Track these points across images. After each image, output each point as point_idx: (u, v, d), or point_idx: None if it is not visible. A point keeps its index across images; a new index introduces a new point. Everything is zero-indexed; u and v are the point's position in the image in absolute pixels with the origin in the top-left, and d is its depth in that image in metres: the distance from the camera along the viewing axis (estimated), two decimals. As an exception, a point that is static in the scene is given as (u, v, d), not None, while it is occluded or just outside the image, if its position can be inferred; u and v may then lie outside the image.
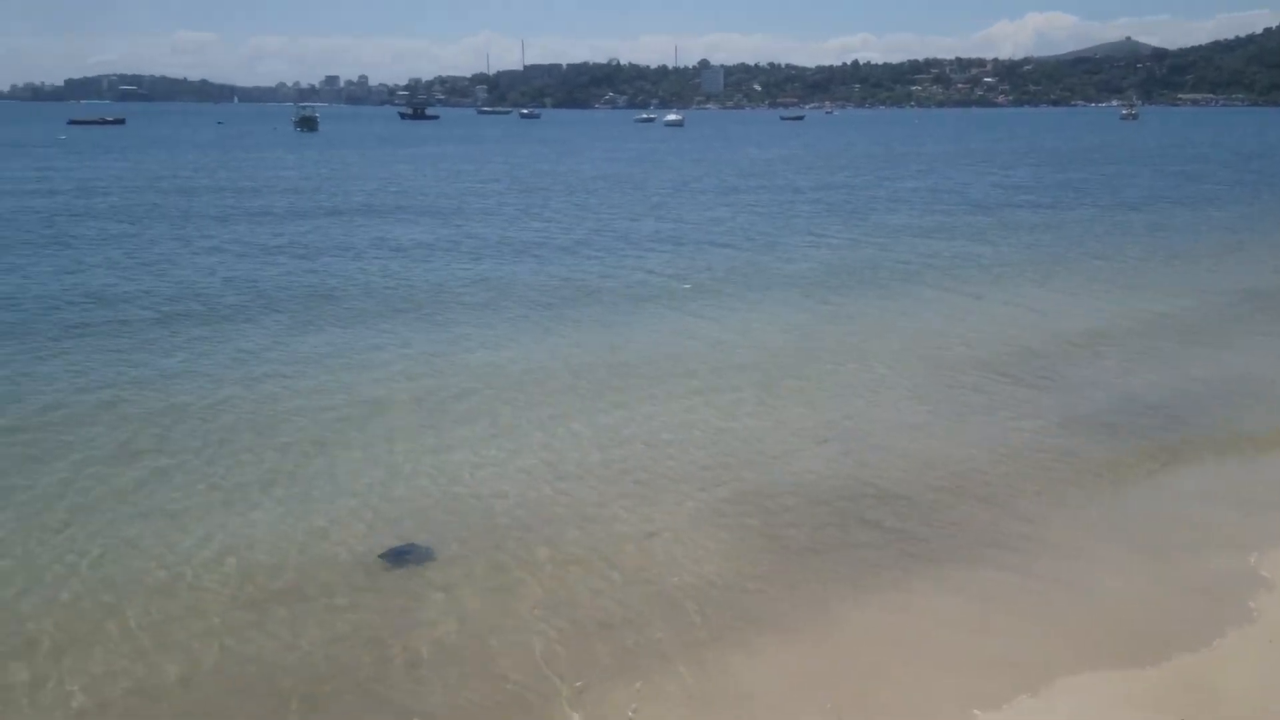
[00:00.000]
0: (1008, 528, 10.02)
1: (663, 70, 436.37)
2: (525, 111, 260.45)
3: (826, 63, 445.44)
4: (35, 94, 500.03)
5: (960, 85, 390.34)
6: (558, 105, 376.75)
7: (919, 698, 7.14)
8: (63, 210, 36.67)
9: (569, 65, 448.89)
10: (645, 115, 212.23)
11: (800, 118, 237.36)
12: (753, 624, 8.19)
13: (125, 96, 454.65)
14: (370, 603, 8.40)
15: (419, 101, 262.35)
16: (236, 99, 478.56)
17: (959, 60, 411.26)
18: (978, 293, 22.56)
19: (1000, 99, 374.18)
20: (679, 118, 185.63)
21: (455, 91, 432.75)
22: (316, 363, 15.93)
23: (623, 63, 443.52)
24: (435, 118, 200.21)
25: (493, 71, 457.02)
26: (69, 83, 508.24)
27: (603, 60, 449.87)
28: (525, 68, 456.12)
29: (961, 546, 9.57)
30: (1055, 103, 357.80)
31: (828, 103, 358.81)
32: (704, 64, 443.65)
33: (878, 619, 8.32)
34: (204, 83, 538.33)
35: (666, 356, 16.60)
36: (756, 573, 9.06)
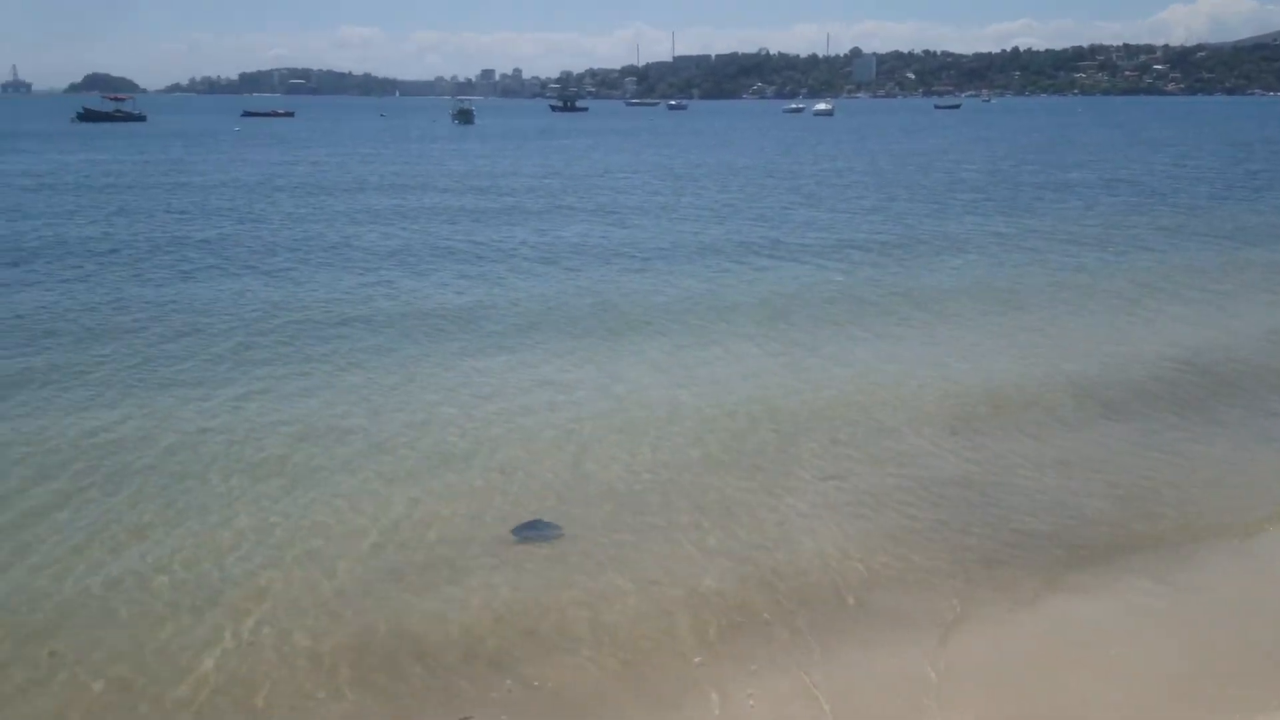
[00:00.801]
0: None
1: (812, 59, 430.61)
2: (673, 103, 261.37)
3: (984, 49, 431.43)
4: (212, 87, 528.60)
5: (1128, 73, 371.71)
6: (705, 96, 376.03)
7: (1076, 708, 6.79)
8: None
9: (717, 56, 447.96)
10: (794, 105, 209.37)
11: (956, 106, 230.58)
12: (876, 619, 7.95)
13: (294, 90, 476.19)
14: (501, 577, 8.49)
15: (569, 94, 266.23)
16: (398, 92, 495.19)
17: (1126, 47, 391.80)
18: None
19: (1170, 87, 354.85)
20: (828, 106, 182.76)
21: (605, 84, 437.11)
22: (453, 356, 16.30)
23: (772, 52, 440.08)
24: (584, 110, 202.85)
25: (642, 64, 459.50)
26: (242, 76, 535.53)
27: (752, 50, 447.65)
28: (674, 59, 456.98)
29: (1114, 554, 9.04)
30: (1230, 91, 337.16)
31: (985, 91, 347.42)
32: (855, 52, 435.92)
33: (1013, 622, 7.94)
34: (367, 76, 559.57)
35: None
36: (884, 566, 8.79)
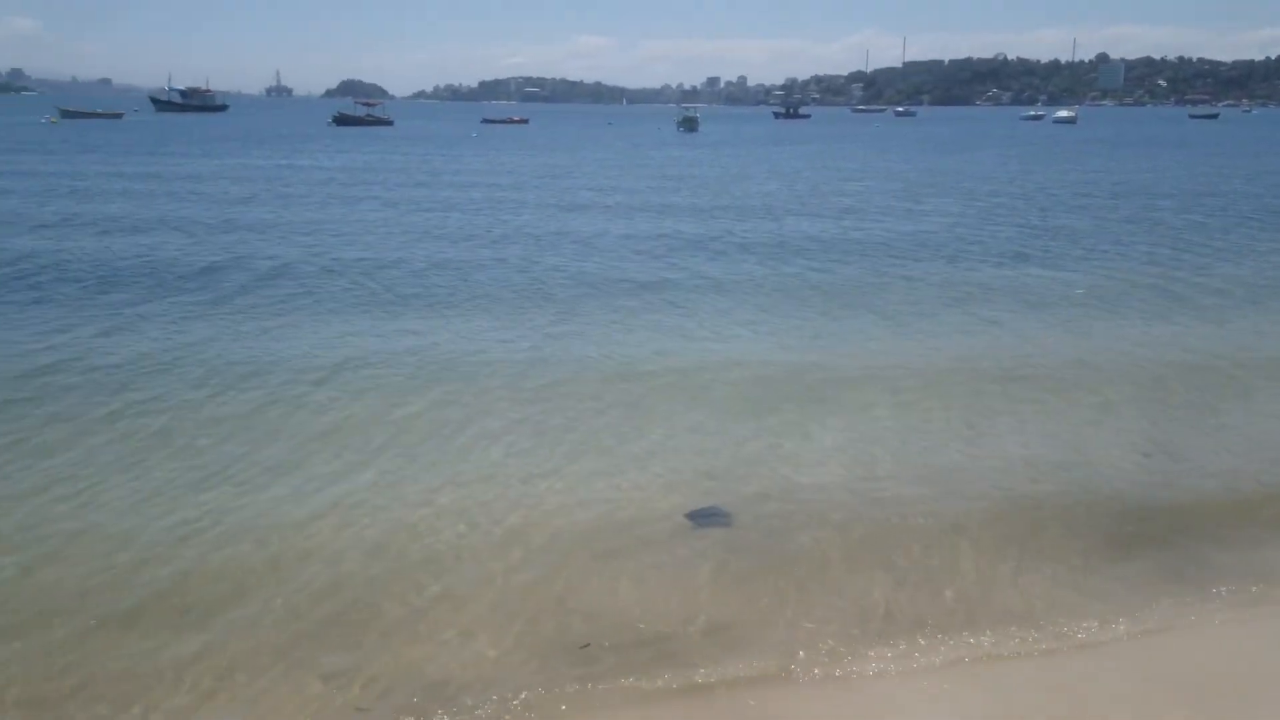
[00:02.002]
0: None
1: (1054, 65, 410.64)
2: (900, 109, 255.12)
3: (1246, 57, 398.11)
4: (454, 94, 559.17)
5: None
6: (935, 103, 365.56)
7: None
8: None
9: (950, 61, 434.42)
10: (1032, 112, 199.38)
11: (1213, 116, 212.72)
12: (1042, 634, 7.14)
13: (528, 98, 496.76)
14: (671, 560, 8.17)
15: (793, 101, 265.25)
16: (624, 100, 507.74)
17: None
18: None
19: None
20: (1071, 114, 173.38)
21: (830, 90, 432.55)
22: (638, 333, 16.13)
23: (1010, 58, 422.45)
24: (807, 116, 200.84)
25: (870, 69, 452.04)
26: (482, 84, 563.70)
27: (988, 55, 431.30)
28: (904, 65, 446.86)
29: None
30: None
31: (1244, 100, 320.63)
32: (1102, 58, 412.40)
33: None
34: (597, 85, 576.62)
35: (1014, 357, 15.02)
36: (1057, 582, 7.91)
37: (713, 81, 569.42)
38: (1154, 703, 6.35)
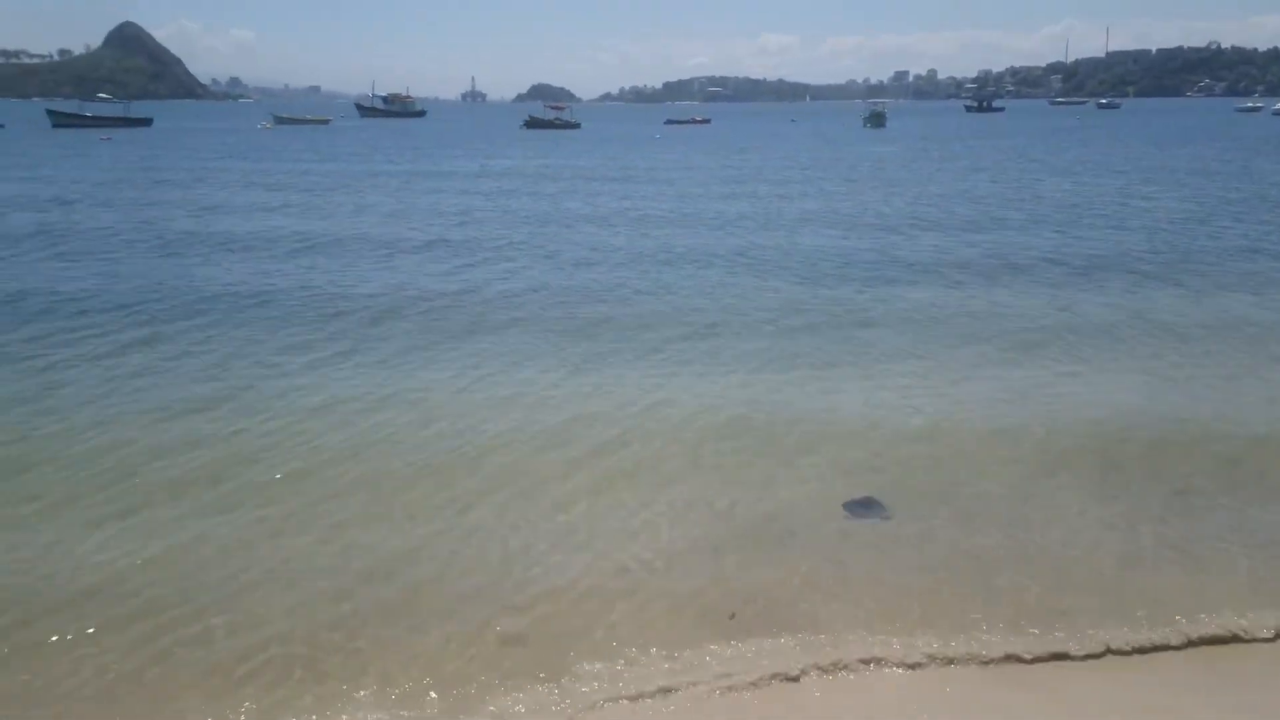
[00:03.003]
0: None
1: (1273, 53, 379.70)
2: (1103, 101, 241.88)
3: None
4: (638, 96, 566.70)
5: None
6: (1141, 94, 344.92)
7: None
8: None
9: (1158, 50, 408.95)
10: (1249, 104, 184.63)
11: None
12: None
13: (711, 98, 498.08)
14: (824, 549, 8.21)
15: (985, 94, 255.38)
16: (808, 97, 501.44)
17: None
18: None
19: None
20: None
21: (1026, 82, 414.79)
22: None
23: (1224, 46, 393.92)
24: (1000, 110, 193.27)
25: (1070, 60, 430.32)
26: (666, 85, 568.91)
27: (1199, 44, 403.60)
28: (1107, 54, 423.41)
29: None
30: None
31: None
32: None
33: None
34: (780, 82, 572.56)
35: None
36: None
37: (900, 76, 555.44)
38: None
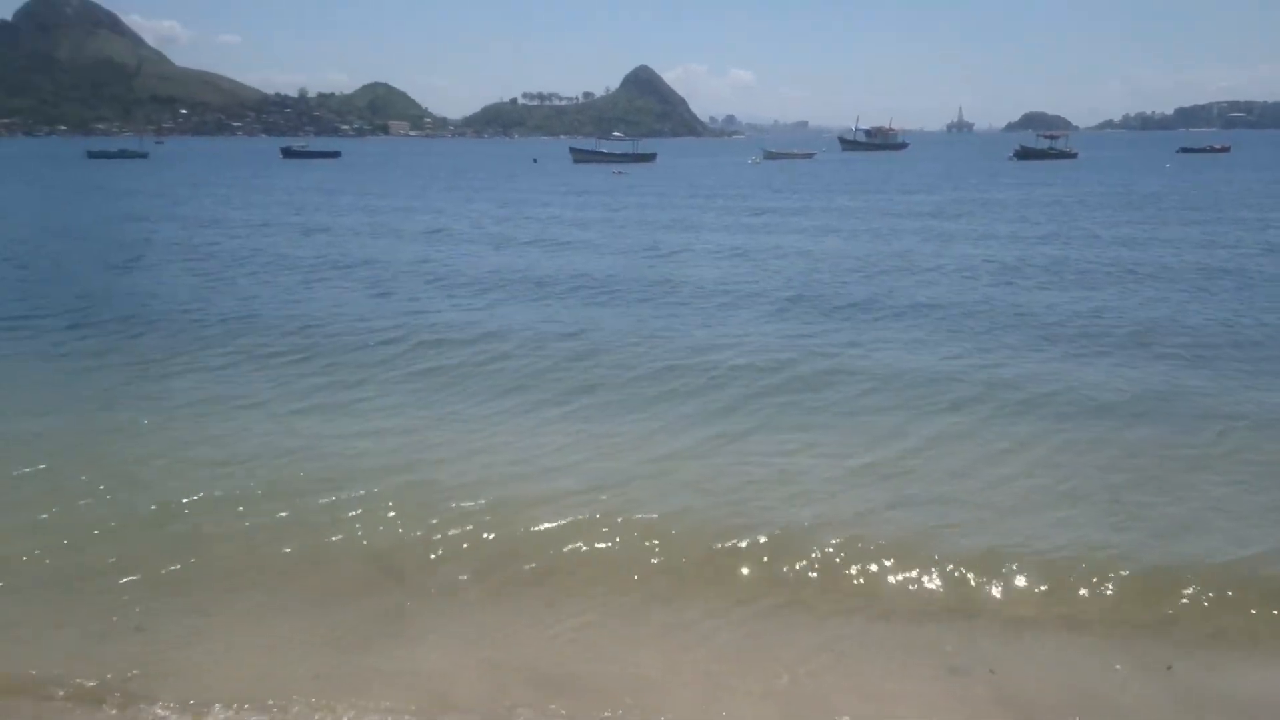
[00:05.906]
0: None
1: None
2: None
3: None
4: (1145, 123, 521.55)
5: None
6: None
7: None
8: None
9: None
10: None
11: None
12: None
13: (1232, 124, 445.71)
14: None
15: None
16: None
17: None
18: None
19: None
20: None
21: None
22: None
23: None
24: None
25: None
26: (1178, 111, 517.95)
27: None
28: None
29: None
30: None
31: None
32: None
33: None
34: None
35: None
36: None
37: None
38: None
